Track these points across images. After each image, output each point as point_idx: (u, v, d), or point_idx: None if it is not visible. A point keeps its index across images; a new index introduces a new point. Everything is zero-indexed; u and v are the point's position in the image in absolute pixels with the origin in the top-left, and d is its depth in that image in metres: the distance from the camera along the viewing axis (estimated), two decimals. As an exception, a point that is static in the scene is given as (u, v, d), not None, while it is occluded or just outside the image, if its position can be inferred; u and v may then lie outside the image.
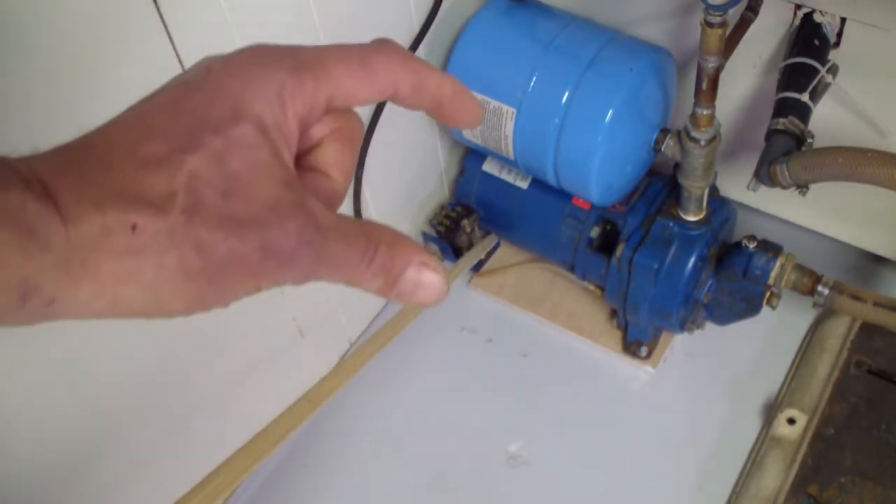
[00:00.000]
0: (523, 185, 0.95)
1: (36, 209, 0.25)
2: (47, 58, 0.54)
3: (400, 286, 0.31)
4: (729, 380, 0.93)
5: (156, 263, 0.27)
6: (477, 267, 1.04)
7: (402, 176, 0.98)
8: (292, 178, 0.29)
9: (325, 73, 0.30)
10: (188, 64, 0.63)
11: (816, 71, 0.79)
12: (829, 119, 0.84)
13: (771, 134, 0.80)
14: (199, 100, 0.28)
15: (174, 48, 0.62)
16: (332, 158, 0.33)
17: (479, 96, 0.86)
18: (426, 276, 0.32)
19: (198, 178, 0.27)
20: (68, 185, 0.26)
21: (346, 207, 0.89)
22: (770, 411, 0.90)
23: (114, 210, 0.26)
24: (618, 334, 0.97)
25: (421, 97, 0.33)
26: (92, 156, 0.27)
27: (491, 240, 1.02)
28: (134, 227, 0.26)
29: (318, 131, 0.32)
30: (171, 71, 0.62)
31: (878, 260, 0.98)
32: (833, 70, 0.80)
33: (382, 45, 0.32)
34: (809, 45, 0.80)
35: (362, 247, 0.31)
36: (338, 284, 0.31)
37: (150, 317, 0.28)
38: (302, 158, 0.32)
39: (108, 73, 0.58)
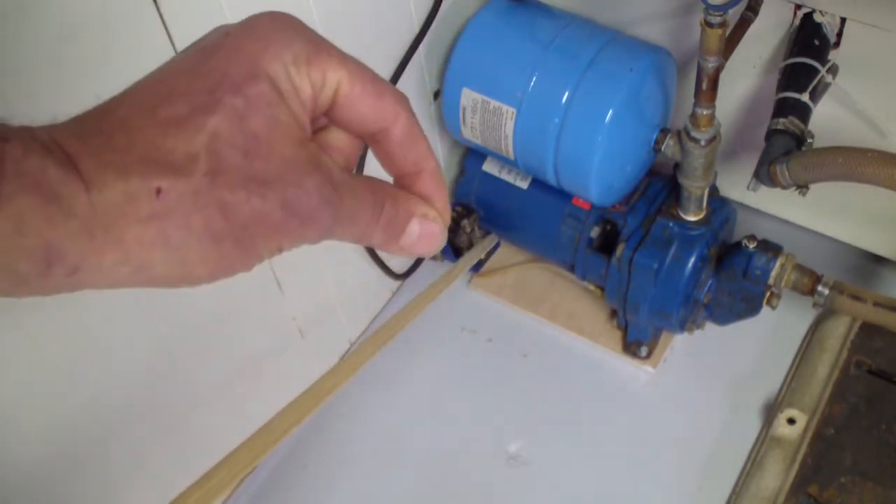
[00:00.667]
0: (523, 185, 0.95)
1: (57, 175, 0.25)
2: (45, 59, 0.54)
3: (404, 239, 0.33)
4: (729, 380, 0.93)
5: (181, 227, 0.27)
6: (477, 267, 1.04)
7: (402, 176, 0.98)
8: (309, 137, 0.30)
9: (341, 62, 0.31)
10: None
11: (816, 71, 0.79)
12: (829, 119, 0.84)
13: (771, 134, 0.80)
14: (218, 62, 0.29)
15: (174, 49, 0.62)
16: (342, 131, 0.33)
17: (480, 96, 0.86)
18: (427, 227, 0.33)
19: (219, 139, 0.27)
20: (89, 151, 0.26)
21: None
22: (770, 411, 0.90)
23: (137, 175, 0.26)
24: (618, 334, 0.97)
25: (406, 150, 0.33)
26: (112, 121, 0.27)
27: (491, 240, 1.02)
28: (158, 192, 0.26)
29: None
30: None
31: (878, 260, 0.98)
32: (833, 70, 0.80)
33: (398, 91, 0.32)
34: (809, 45, 0.80)
35: (371, 202, 0.31)
36: (347, 243, 0.31)
37: (175, 284, 0.28)
38: (315, 124, 0.32)
39: (108, 74, 0.58)
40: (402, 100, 0.32)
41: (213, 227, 0.27)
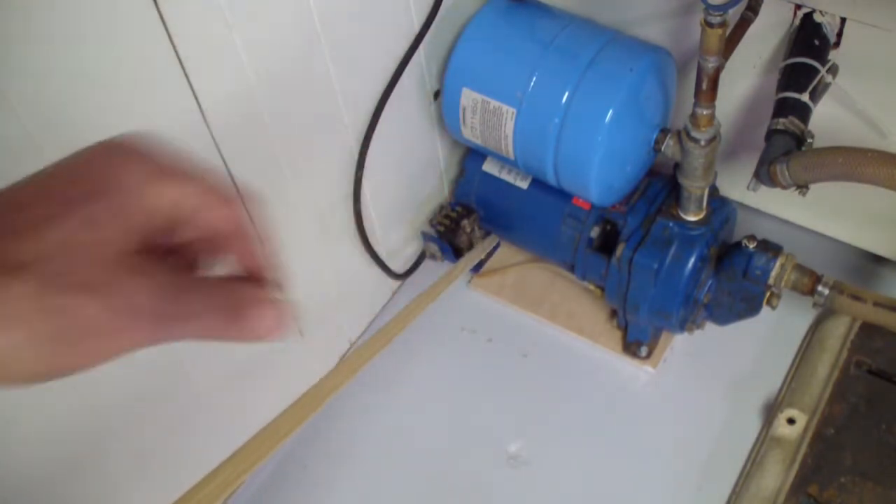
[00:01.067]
0: (523, 185, 0.95)
1: None
2: (47, 59, 0.54)
3: (245, 331, 0.34)
4: (729, 380, 0.93)
5: (13, 328, 0.28)
6: (477, 267, 1.04)
7: (401, 176, 0.98)
8: (143, 249, 0.32)
9: (188, 180, 0.33)
10: (188, 64, 0.63)
11: (816, 71, 0.79)
12: (829, 119, 0.84)
13: (771, 134, 0.80)
14: (76, 174, 0.31)
15: (174, 49, 0.62)
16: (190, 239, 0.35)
17: (480, 96, 0.86)
18: (265, 319, 0.35)
19: (62, 244, 0.29)
20: None
21: (345, 207, 0.89)
22: (770, 411, 0.90)
23: None
24: (618, 334, 0.97)
25: (248, 256, 0.36)
26: None
27: (491, 241, 1.02)
28: None
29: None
30: (172, 71, 0.63)
31: (878, 260, 0.98)
32: (833, 70, 0.80)
33: (238, 203, 0.35)
34: (809, 45, 0.80)
35: (213, 301, 0.33)
36: (196, 337, 0.33)
37: (9, 384, 0.29)
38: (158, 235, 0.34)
39: (108, 74, 0.58)
40: (242, 214, 0.35)
41: (45, 330, 0.29)
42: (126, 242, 0.31)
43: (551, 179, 0.89)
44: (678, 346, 0.97)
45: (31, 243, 0.29)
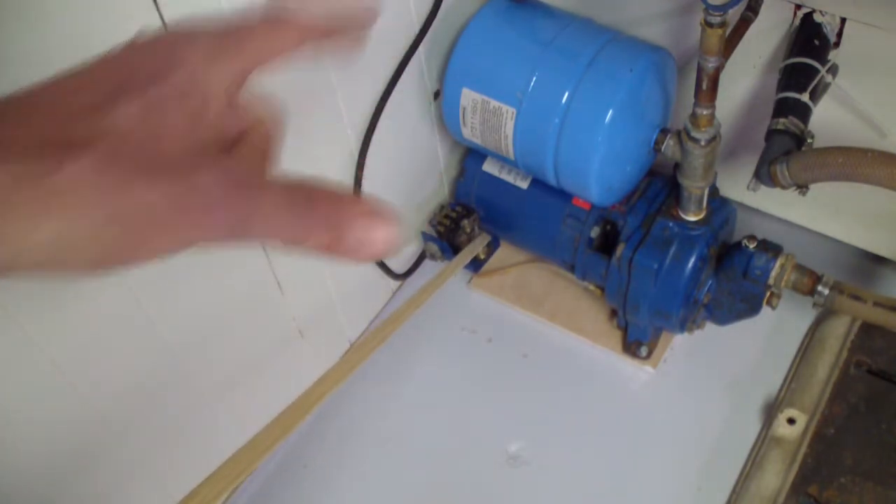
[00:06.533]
0: (523, 185, 0.95)
1: None
2: (45, 58, 0.54)
3: (346, 243, 0.30)
4: (729, 380, 0.93)
5: (68, 209, 0.26)
6: (477, 267, 1.04)
7: (401, 176, 0.98)
8: (218, 132, 0.30)
9: (242, 48, 0.31)
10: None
11: (816, 71, 0.79)
12: (829, 119, 0.84)
13: (771, 134, 0.80)
14: (135, 56, 0.29)
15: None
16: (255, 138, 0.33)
17: (480, 96, 0.86)
18: (373, 230, 0.30)
19: (123, 124, 0.27)
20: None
21: (346, 207, 0.89)
22: (770, 411, 0.90)
23: (31, 157, 0.26)
24: (618, 334, 0.97)
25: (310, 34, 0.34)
26: (26, 104, 0.27)
27: (483, 239, 1.01)
28: (48, 173, 0.26)
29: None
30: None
31: (878, 260, 0.98)
32: (833, 70, 0.80)
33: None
34: (809, 45, 0.80)
35: (299, 202, 0.29)
36: (287, 248, 0.29)
37: (58, 269, 0.27)
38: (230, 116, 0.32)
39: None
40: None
41: (100, 212, 0.26)
42: (192, 127, 0.28)
43: (551, 179, 0.89)
44: (678, 346, 0.97)
45: (87, 124, 0.26)
